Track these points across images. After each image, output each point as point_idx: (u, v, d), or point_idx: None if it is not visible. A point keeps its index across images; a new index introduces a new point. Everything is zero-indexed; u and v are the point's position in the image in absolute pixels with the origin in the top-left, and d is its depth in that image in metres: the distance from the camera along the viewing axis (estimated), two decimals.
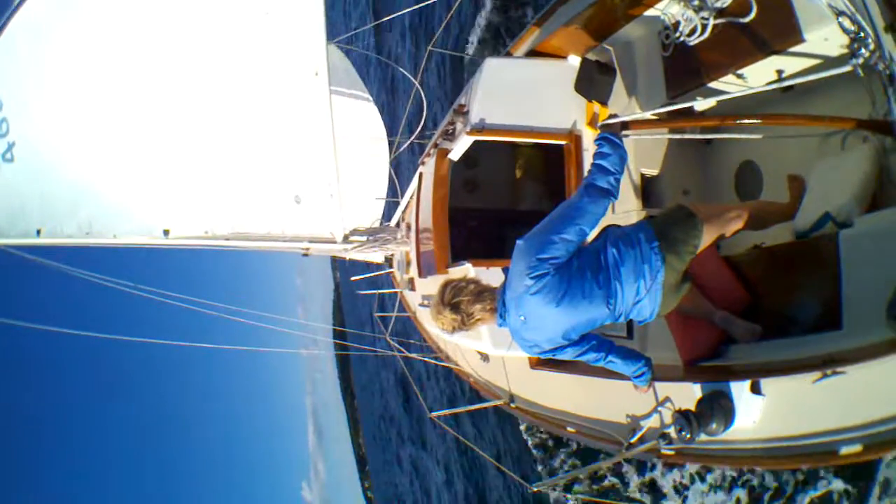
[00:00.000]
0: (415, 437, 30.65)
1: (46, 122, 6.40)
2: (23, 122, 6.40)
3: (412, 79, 9.46)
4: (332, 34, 6.01)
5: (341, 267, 52.74)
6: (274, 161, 6.69)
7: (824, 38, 4.86)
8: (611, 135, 4.36)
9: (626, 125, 4.68)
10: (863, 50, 3.75)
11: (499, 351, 6.80)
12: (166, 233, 6.67)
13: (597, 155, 4.31)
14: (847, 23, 3.80)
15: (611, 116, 4.71)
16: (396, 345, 10.93)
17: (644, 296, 4.22)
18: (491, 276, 5.76)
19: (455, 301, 4.24)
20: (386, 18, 20.33)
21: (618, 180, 4.22)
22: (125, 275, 7.63)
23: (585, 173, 6.49)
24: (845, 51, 3.99)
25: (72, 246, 6.81)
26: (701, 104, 5.96)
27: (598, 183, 4.15)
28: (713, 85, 5.90)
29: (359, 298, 37.55)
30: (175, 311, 8.14)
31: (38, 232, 6.62)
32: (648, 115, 5.32)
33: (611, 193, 4.15)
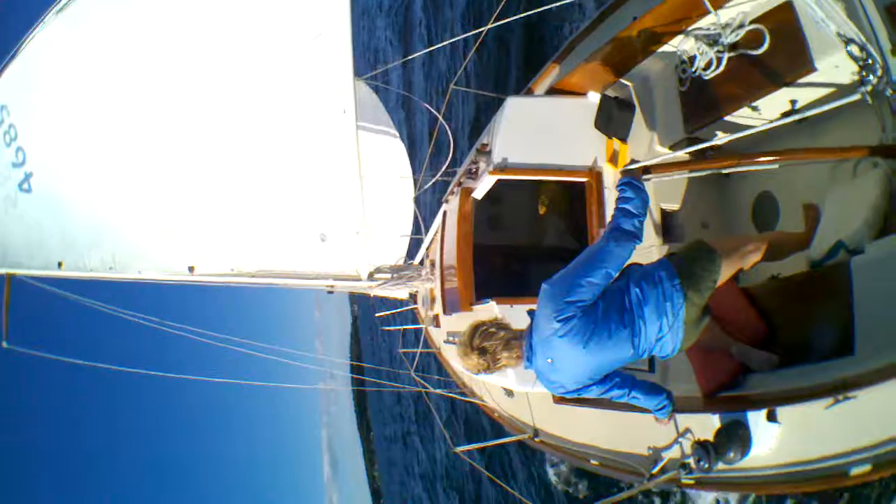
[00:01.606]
0: (431, 473, 30.47)
1: (65, 154, 6.45)
2: (41, 152, 6.44)
3: (436, 113, 9.54)
4: (360, 70, 6.06)
5: (359, 300, 52.58)
6: (300, 199, 6.73)
7: (835, 65, 4.92)
8: (633, 179, 4.44)
9: (647, 170, 4.74)
10: (871, 76, 3.79)
11: (524, 388, 6.82)
12: (191, 269, 6.71)
13: (620, 199, 4.37)
14: (855, 49, 3.85)
15: (632, 161, 4.77)
16: (421, 381, 10.95)
17: (666, 333, 4.24)
18: (514, 313, 5.81)
19: (482, 346, 4.25)
20: (412, 56, 20.49)
21: (642, 223, 4.27)
22: (133, 305, 7.69)
23: (607, 210, 6.59)
24: (855, 77, 4.04)
25: (94, 280, 6.85)
26: (717, 138, 6.05)
27: (623, 226, 4.20)
28: (729, 118, 5.97)
29: (377, 332, 37.42)
30: (187, 342, 8.19)
31: (59, 265, 6.66)
32: (668, 156, 5.36)
33: (636, 236, 4.19)
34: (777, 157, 5.01)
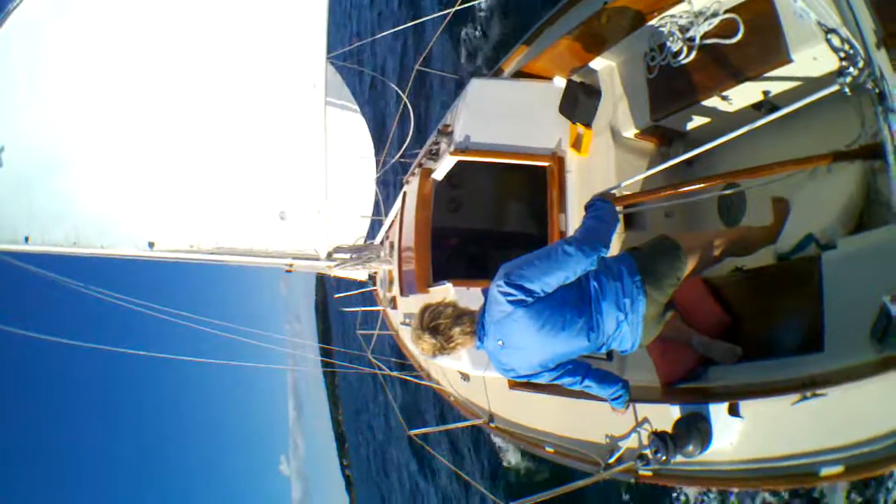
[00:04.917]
0: (394, 436, 30.63)
1: (36, 130, 6.38)
2: (11, 127, 6.38)
3: (401, 94, 9.47)
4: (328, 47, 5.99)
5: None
6: (261, 176, 6.69)
7: (813, 57, 4.90)
8: (603, 197, 4.50)
9: (617, 198, 4.71)
10: (851, 68, 3.69)
11: (478, 371, 6.78)
12: (151, 245, 6.65)
13: (591, 209, 4.40)
14: (836, 40, 3.77)
15: (606, 193, 4.70)
16: (378, 363, 10.89)
17: (624, 329, 4.21)
18: (471, 296, 5.74)
19: (434, 325, 4.15)
20: (379, 35, 20.35)
21: (611, 234, 4.25)
22: (101, 282, 7.61)
23: (568, 195, 6.54)
24: (835, 69, 3.97)
25: (59, 255, 6.78)
26: (689, 124, 6.02)
27: (593, 233, 4.19)
28: (697, 107, 5.95)
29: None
30: (159, 322, 8.12)
31: (27, 239, 6.60)
32: (638, 176, 5.26)
33: (605, 245, 4.16)
34: (749, 175, 4.96)
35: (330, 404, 73.32)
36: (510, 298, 4.01)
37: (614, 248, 4.73)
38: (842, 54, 3.72)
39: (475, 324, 4.26)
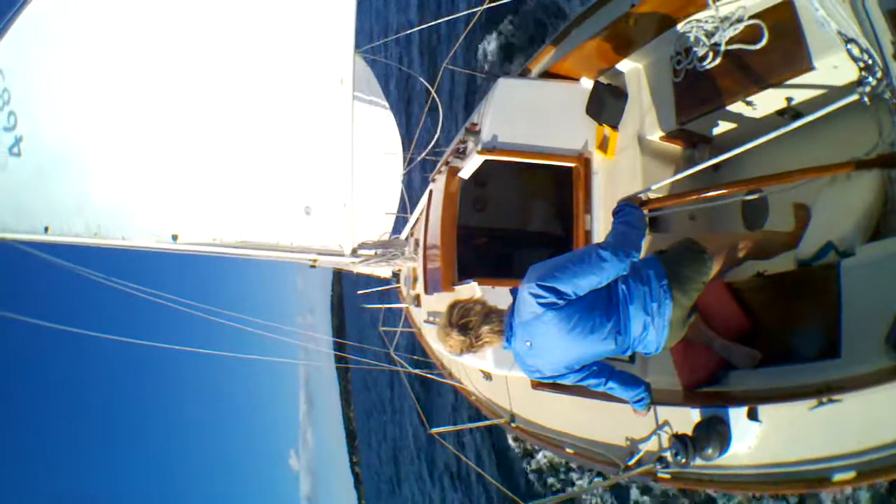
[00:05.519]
0: (408, 434, 30.60)
1: (56, 119, 6.37)
2: (32, 117, 6.37)
3: (429, 87, 9.44)
4: (357, 42, 5.99)
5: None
6: (287, 170, 6.65)
7: (833, 65, 4.91)
8: (631, 202, 4.54)
9: (643, 202, 4.73)
10: (870, 78, 3.71)
11: (501, 371, 6.81)
12: (175, 237, 6.63)
13: (620, 215, 4.43)
14: (856, 50, 3.78)
15: (633, 198, 4.72)
16: (400, 360, 10.91)
17: (651, 332, 4.23)
18: (496, 295, 5.76)
19: (463, 322, 4.19)
20: (406, 32, 20.33)
21: (642, 239, 4.30)
22: (114, 272, 7.62)
23: (593, 196, 6.55)
24: (854, 78, 3.99)
25: (80, 245, 6.79)
26: (715, 129, 6.02)
27: (630, 241, 4.21)
28: (723, 112, 5.95)
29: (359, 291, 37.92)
30: (172, 312, 8.14)
31: (46, 229, 6.61)
32: (664, 182, 5.27)
33: (636, 252, 4.20)
34: (772, 182, 4.96)
35: (342, 400, 73.37)
36: (541, 300, 4.04)
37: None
38: (861, 64, 3.74)
39: (503, 323, 4.29)
